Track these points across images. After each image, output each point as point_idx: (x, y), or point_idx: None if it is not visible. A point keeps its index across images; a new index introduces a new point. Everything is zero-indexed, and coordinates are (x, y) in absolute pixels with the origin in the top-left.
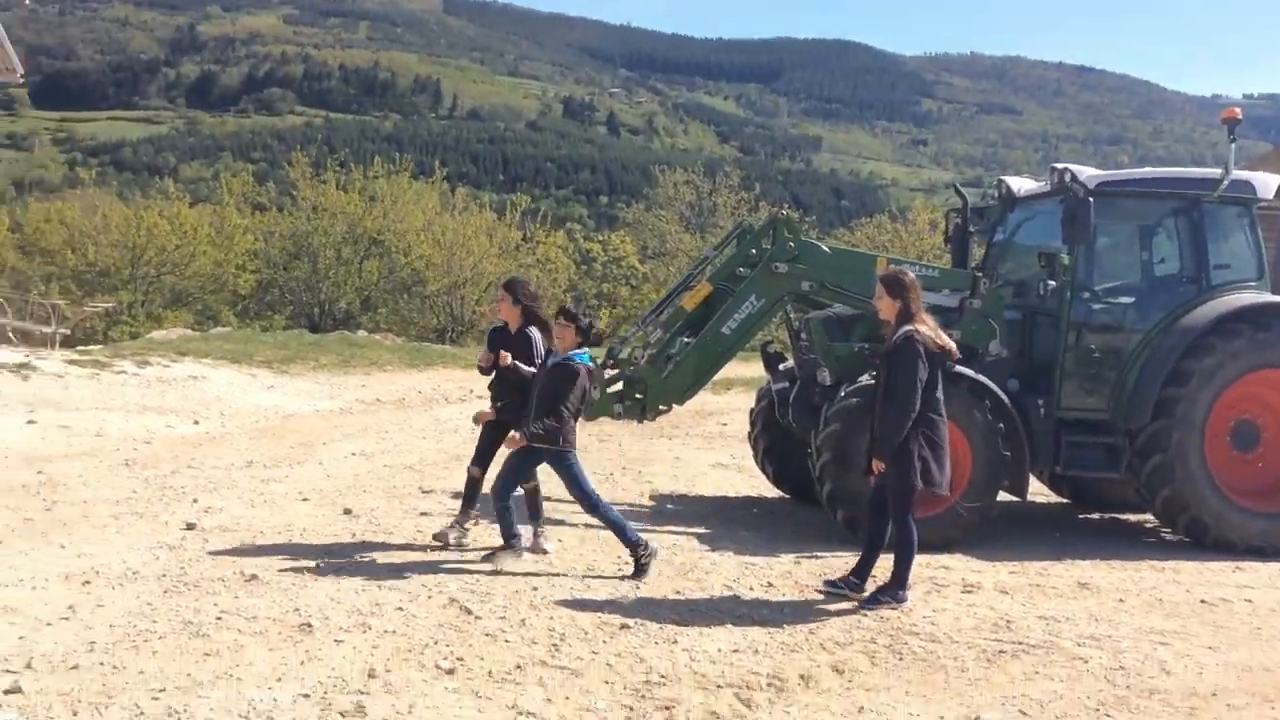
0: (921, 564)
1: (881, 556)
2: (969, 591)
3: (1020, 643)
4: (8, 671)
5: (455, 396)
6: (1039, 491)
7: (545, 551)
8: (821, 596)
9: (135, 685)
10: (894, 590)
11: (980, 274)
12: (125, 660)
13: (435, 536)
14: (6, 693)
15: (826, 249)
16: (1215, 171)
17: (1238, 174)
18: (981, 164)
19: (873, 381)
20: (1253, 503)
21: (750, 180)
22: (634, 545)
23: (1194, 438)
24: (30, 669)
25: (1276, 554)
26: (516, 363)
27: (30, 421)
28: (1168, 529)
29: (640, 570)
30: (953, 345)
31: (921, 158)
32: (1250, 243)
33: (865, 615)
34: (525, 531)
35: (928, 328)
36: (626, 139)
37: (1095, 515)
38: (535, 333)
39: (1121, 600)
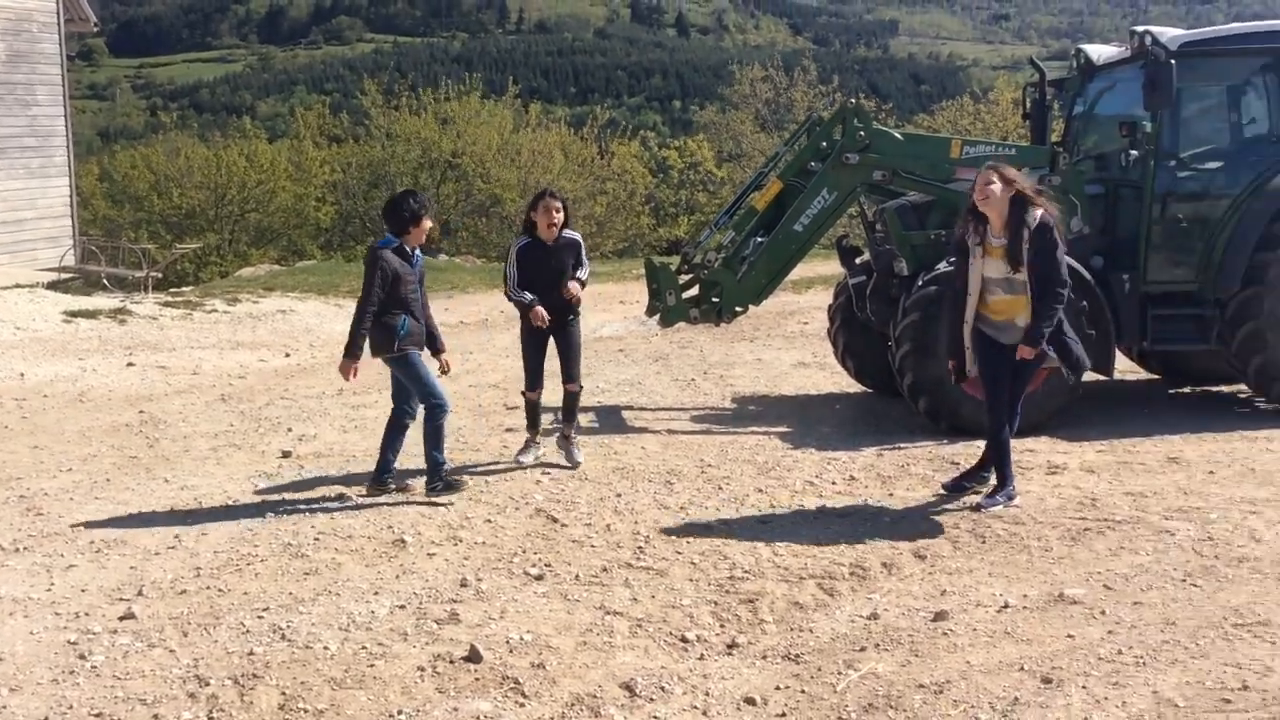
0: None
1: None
2: (1054, 472)
3: (1106, 519)
4: (121, 600)
5: None
6: (1128, 368)
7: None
8: (905, 489)
9: (240, 606)
10: (979, 474)
11: (1060, 149)
12: (230, 583)
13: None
14: (121, 619)
15: (899, 135)
16: None
17: None
18: (1067, 35)
19: (951, 269)
20: None
21: (828, 72)
22: (436, 472)
23: None
24: (142, 596)
25: None
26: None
27: (129, 364)
28: (1261, 398)
29: (432, 488)
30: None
31: (1004, 34)
32: None
33: (948, 503)
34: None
35: (1049, 205)
36: (697, 40)
37: (1186, 389)
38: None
39: (1211, 472)
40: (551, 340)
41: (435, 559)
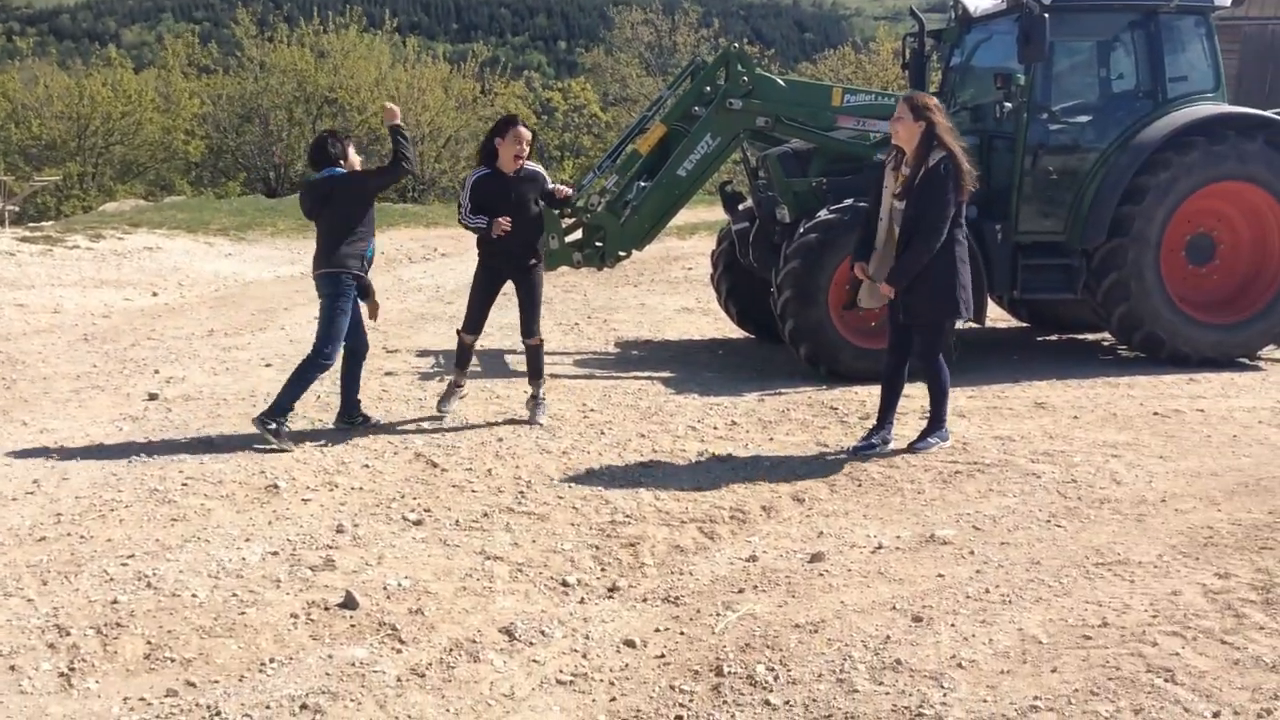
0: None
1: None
2: (927, 417)
3: (976, 463)
4: None
5: (419, 256)
6: (998, 316)
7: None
8: (785, 434)
9: (103, 553)
10: (937, 430)
11: (938, 99)
12: (92, 530)
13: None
14: None
15: (781, 82)
16: None
17: None
18: None
19: (832, 216)
20: (1207, 315)
21: (709, 17)
22: (280, 411)
23: (1149, 254)
24: None
25: (1230, 365)
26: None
27: None
28: (1124, 346)
29: (266, 425)
30: (974, 174)
31: None
32: (1207, 53)
33: (825, 446)
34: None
35: (959, 151)
36: None
37: (1053, 337)
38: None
39: (1076, 417)
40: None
41: (310, 505)
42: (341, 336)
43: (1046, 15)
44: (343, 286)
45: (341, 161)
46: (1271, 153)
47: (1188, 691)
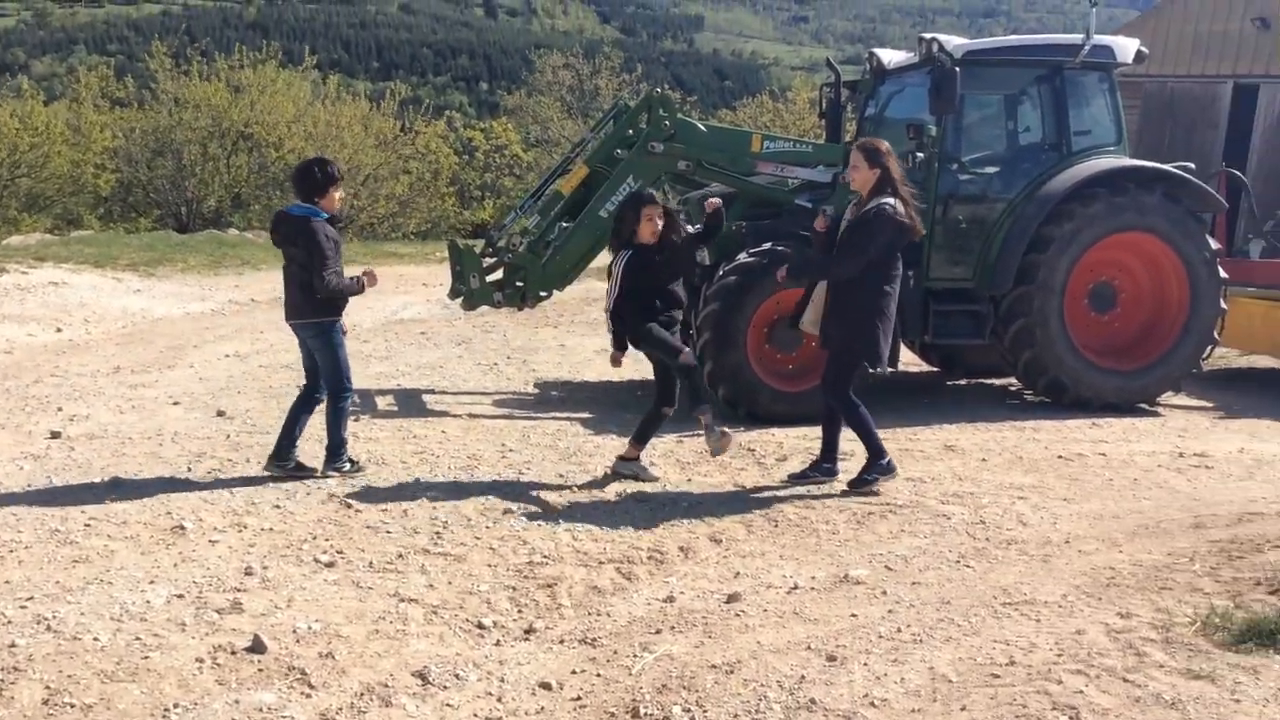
0: (799, 435)
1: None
2: (842, 459)
3: (888, 504)
4: None
5: None
6: (910, 361)
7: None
8: (703, 475)
9: (1, 595)
10: (876, 463)
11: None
12: None
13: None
14: None
15: (703, 127)
16: (1077, 38)
17: (1098, 39)
18: (861, 40)
19: (751, 260)
20: (1109, 362)
21: (632, 62)
22: (339, 452)
23: (1054, 302)
24: None
25: (1130, 410)
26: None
27: None
28: (1029, 390)
29: (337, 468)
30: (918, 224)
31: (803, 35)
32: (1110, 108)
33: (742, 487)
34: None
35: (901, 201)
36: (505, 21)
37: (962, 381)
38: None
39: (984, 459)
40: None
41: (218, 546)
42: (348, 366)
43: (957, 69)
44: (327, 326)
45: (318, 197)
46: (1169, 205)
47: None
